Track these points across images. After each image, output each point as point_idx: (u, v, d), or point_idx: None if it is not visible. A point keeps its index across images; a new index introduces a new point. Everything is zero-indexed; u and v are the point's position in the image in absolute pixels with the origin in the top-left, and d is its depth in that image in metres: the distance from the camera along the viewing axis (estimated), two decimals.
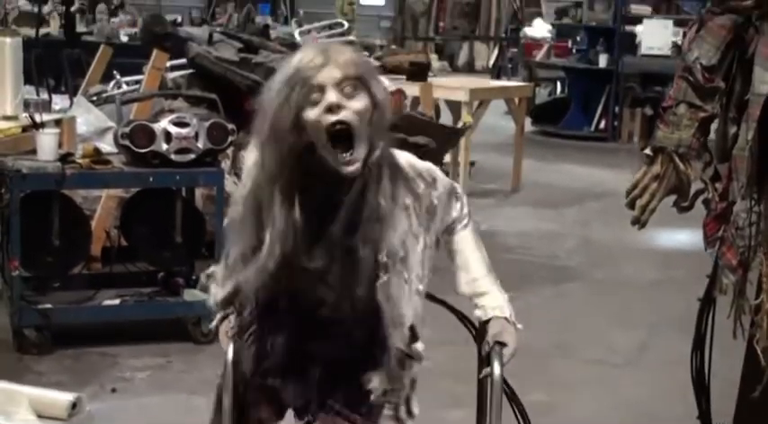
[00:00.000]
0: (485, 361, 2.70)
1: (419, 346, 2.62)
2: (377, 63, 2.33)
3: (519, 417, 3.02)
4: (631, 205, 3.51)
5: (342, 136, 2.44)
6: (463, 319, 2.94)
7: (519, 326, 2.74)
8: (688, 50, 3.44)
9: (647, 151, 3.50)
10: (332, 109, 2.43)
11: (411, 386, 2.66)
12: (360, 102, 2.46)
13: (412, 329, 2.59)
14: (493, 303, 2.76)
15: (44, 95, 7.22)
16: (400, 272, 2.55)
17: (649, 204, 3.47)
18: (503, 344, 2.67)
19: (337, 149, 2.46)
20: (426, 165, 2.71)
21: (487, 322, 2.75)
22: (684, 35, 3.67)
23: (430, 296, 2.75)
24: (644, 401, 5.03)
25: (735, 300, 3.45)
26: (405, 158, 2.68)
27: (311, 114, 2.44)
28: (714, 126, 3.52)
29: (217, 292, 2.72)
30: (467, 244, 2.81)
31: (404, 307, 2.55)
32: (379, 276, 2.53)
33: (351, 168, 2.46)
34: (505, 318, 2.72)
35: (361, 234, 2.51)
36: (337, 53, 2.49)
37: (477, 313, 2.79)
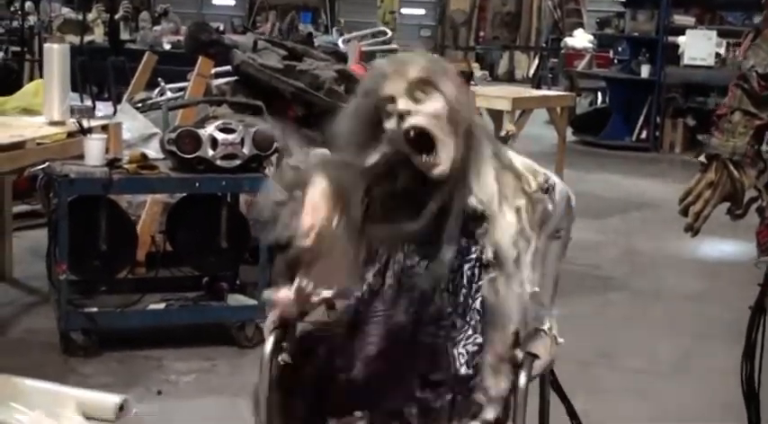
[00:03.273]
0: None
1: (519, 354, 2.52)
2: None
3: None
4: (685, 212, 3.49)
5: (421, 141, 2.45)
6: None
7: (560, 340, 2.66)
8: (744, 58, 3.44)
9: (702, 158, 3.48)
10: (403, 116, 2.44)
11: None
12: (433, 105, 2.46)
13: (516, 334, 2.53)
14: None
15: (87, 102, 7.27)
16: (509, 273, 2.51)
17: (703, 211, 3.45)
18: (534, 356, 2.59)
19: (421, 154, 2.46)
20: (542, 169, 2.67)
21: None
22: (736, 45, 3.66)
23: None
24: (689, 410, 4.99)
25: None
26: (516, 157, 2.64)
27: (388, 125, 2.46)
28: None
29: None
30: (549, 255, 2.71)
31: (510, 308, 2.51)
32: (482, 273, 2.51)
33: (437, 170, 2.47)
34: (543, 330, 2.65)
35: (446, 234, 2.50)
36: (403, 61, 2.51)
37: None
